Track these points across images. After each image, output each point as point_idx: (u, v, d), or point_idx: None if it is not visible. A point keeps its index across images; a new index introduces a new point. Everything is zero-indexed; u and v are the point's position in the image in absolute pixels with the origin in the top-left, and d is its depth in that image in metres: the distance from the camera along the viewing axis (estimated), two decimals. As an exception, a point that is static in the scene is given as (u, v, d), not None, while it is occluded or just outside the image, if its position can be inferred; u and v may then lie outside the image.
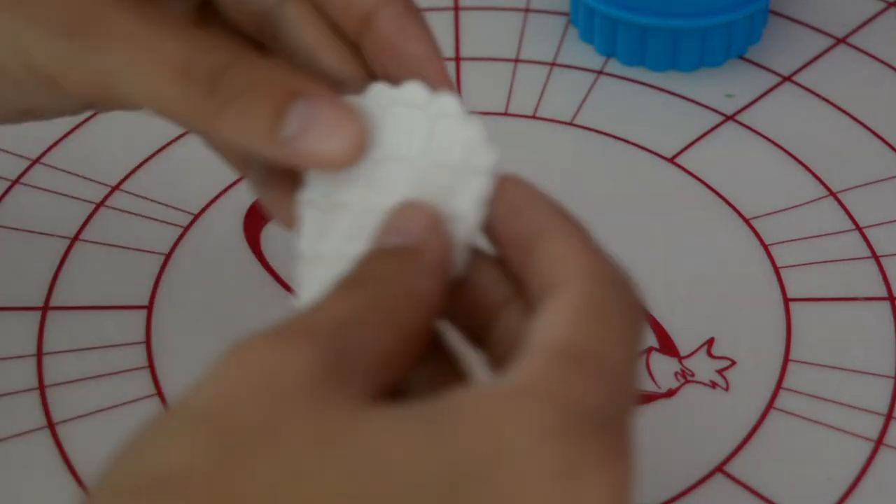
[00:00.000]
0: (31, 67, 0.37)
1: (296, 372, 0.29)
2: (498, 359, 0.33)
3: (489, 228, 0.34)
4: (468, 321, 0.34)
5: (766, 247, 0.49)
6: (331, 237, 0.35)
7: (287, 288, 0.47)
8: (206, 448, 0.27)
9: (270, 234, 0.49)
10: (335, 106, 0.34)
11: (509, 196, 0.34)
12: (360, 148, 0.34)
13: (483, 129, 0.36)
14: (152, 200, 0.50)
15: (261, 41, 0.40)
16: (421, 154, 0.36)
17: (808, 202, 0.51)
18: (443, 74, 0.38)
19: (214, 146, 0.42)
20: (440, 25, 0.58)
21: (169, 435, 0.28)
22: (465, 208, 0.35)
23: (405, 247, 0.33)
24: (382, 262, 0.32)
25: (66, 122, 0.52)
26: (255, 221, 0.49)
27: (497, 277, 0.34)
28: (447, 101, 0.36)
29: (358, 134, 0.34)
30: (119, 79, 0.35)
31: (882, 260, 0.48)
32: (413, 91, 0.36)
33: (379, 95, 0.36)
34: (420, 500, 0.27)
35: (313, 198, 0.36)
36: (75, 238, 0.49)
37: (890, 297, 0.47)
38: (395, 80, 0.37)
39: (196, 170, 0.51)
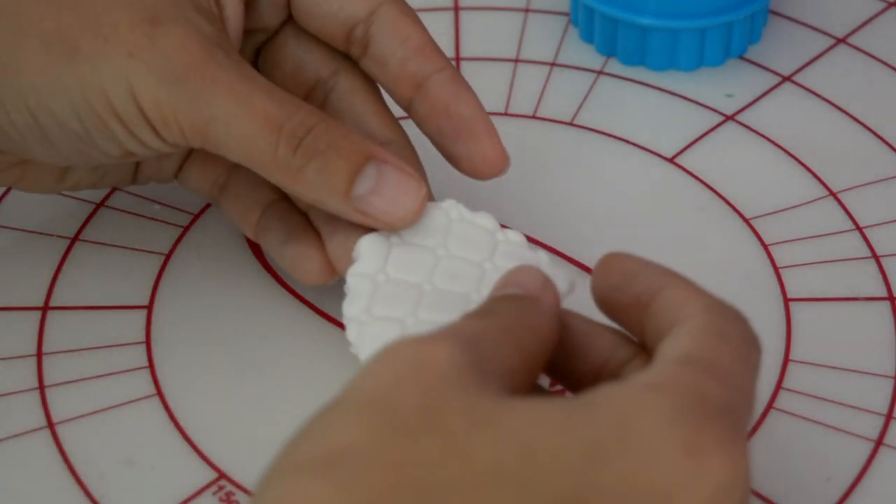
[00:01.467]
0: (142, 109, 0.40)
1: (443, 364, 0.32)
2: None
3: (603, 299, 0.38)
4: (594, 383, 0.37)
5: (766, 247, 0.49)
6: (383, 303, 0.41)
7: (287, 288, 0.47)
8: (371, 427, 0.31)
9: (270, 234, 0.49)
10: (403, 171, 0.41)
11: (620, 266, 0.38)
12: (421, 210, 0.41)
13: (547, 259, 0.42)
14: (152, 200, 0.50)
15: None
16: (483, 260, 0.42)
17: (808, 202, 0.51)
18: (493, 132, 0.44)
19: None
20: (440, 25, 0.58)
21: (338, 418, 0.32)
22: None
23: (524, 294, 0.38)
24: (506, 302, 0.37)
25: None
26: (255, 221, 0.49)
27: (618, 340, 0.38)
28: (513, 232, 0.43)
29: (420, 198, 0.41)
30: (218, 127, 0.40)
31: (882, 260, 0.48)
32: (484, 216, 0.43)
33: (452, 208, 0.43)
34: (560, 472, 0.31)
35: (366, 271, 0.41)
36: (75, 238, 0.49)
37: (890, 297, 0.47)
38: (448, 138, 0.43)
39: (196, 170, 0.51)
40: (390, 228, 0.41)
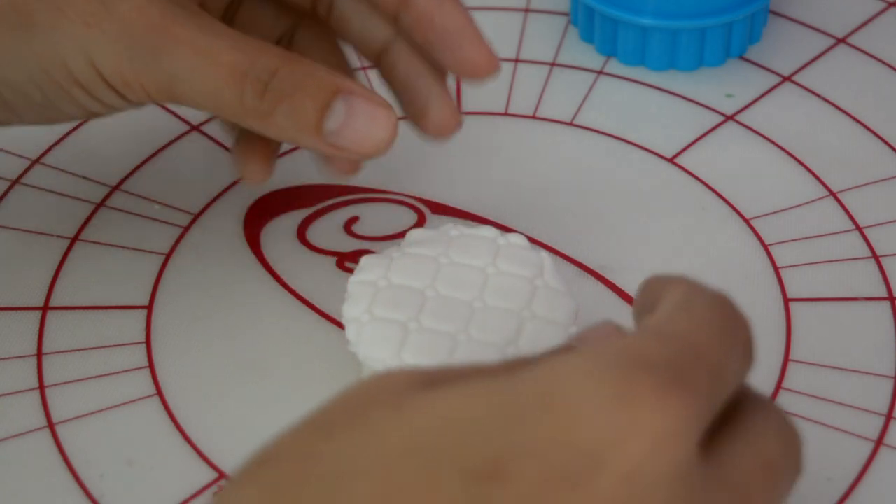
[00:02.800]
0: (103, 76, 0.40)
1: (397, 381, 0.32)
2: None
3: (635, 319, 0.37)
4: None
5: (766, 247, 0.49)
6: (385, 305, 0.41)
7: (287, 288, 0.47)
8: (299, 428, 0.31)
9: (270, 234, 0.49)
10: (371, 101, 0.40)
11: (650, 285, 0.37)
12: (393, 137, 0.41)
13: (551, 261, 0.43)
14: (152, 200, 0.50)
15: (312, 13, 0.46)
16: (486, 265, 0.42)
17: (808, 202, 0.51)
18: (478, 37, 0.44)
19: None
20: (440, 25, 0.58)
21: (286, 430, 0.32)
22: (556, 317, 0.42)
23: None
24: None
25: (66, 123, 0.52)
26: (255, 221, 0.49)
27: None
28: (515, 235, 0.43)
29: (391, 125, 0.40)
30: (182, 84, 0.40)
31: (882, 260, 0.48)
32: (486, 229, 0.43)
33: (452, 229, 0.44)
34: (476, 439, 0.29)
35: (368, 278, 0.42)
36: (75, 238, 0.49)
37: (890, 297, 0.47)
38: (435, 49, 0.44)
39: (196, 170, 0.51)
40: (365, 158, 0.41)
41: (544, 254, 0.43)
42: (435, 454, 0.29)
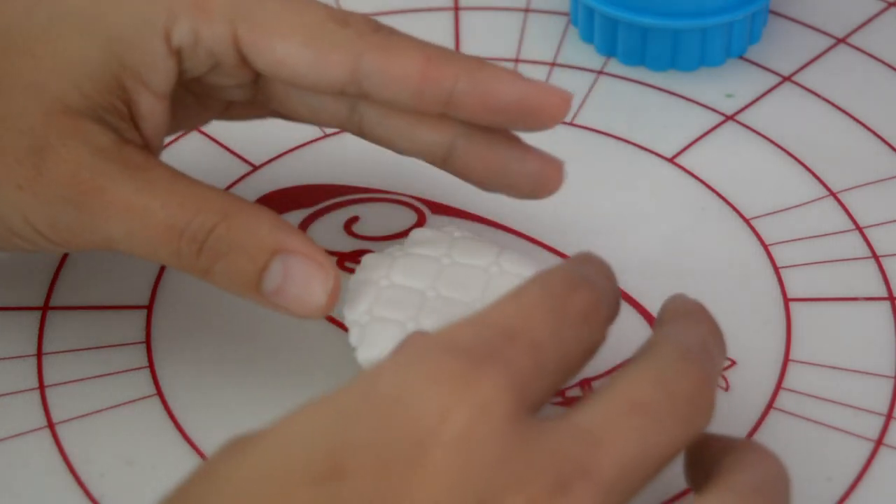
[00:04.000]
0: (40, 233, 0.40)
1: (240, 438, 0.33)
2: None
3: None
4: None
5: (766, 247, 0.49)
6: (386, 305, 0.41)
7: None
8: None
9: (270, 234, 0.49)
10: (311, 262, 0.39)
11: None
12: (332, 301, 0.39)
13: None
14: (152, 200, 0.50)
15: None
16: (490, 264, 0.42)
17: (808, 202, 0.51)
18: (542, 94, 0.40)
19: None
20: (440, 25, 0.58)
21: None
22: None
23: None
24: None
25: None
26: (255, 221, 0.49)
27: None
28: (510, 252, 0.43)
29: (328, 289, 0.39)
30: (120, 243, 0.40)
31: (882, 260, 0.48)
32: (487, 248, 0.43)
33: (455, 231, 0.43)
34: (309, 442, 0.31)
35: (370, 278, 0.42)
36: (75, 238, 0.49)
37: (890, 297, 0.47)
38: (507, 125, 0.41)
39: (195, 170, 0.51)
40: (305, 318, 0.40)
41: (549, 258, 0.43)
42: (283, 472, 0.31)
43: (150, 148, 0.41)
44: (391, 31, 0.41)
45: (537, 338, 0.34)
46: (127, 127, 0.40)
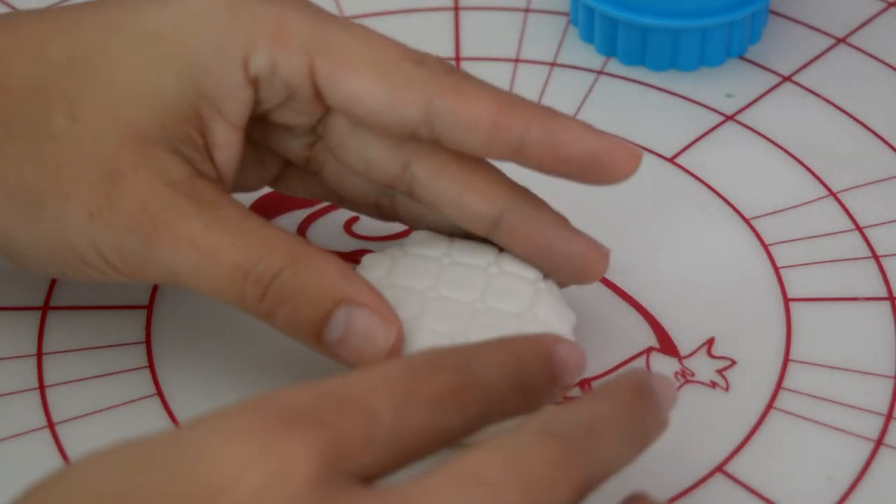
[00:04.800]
0: (108, 262, 0.40)
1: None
2: None
3: None
4: None
5: (766, 247, 0.49)
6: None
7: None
8: None
9: (270, 234, 0.49)
10: (374, 315, 0.39)
11: None
12: (394, 353, 0.39)
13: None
14: (152, 200, 0.50)
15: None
16: (489, 264, 0.42)
17: (808, 202, 0.51)
18: (613, 148, 0.41)
19: None
20: (440, 25, 0.58)
21: None
22: (556, 324, 0.41)
23: None
24: None
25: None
26: (255, 221, 0.49)
27: None
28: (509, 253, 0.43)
29: (391, 340, 0.39)
30: (185, 279, 0.40)
31: (882, 260, 0.48)
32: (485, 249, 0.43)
33: (455, 238, 0.43)
34: (102, 484, 0.31)
35: (370, 277, 0.41)
36: (75, 238, 0.49)
37: (890, 297, 0.47)
38: (576, 178, 0.41)
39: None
40: (367, 364, 0.39)
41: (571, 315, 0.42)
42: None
43: (223, 181, 0.41)
44: (465, 75, 0.41)
45: (373, 409, 0.33)
46: (201, 158, 0.40)
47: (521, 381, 0.36)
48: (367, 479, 0.32)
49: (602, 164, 0.40)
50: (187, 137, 0.40)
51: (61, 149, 0.40)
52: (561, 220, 0.42)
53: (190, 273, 0.39)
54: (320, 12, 0.41)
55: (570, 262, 0.42)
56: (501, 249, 0.43)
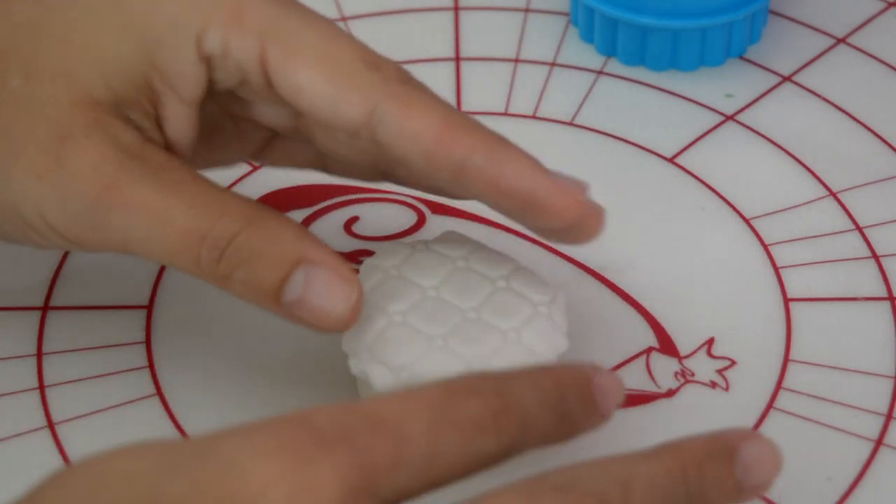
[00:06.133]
0: (54, 229, 0.39)
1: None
2: None
3: None
4: None
5: (766, 247, 0.49)
6: (382, 294, 0.41)
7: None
8: None
9: (270, 234, 0.49)
10: (333, 274, 0.38)
11: None
12: (353, 315, 0.38)
13: (563, 296, 0.42)
14: (152, 200, 0.50)
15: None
16: (499, 277, 0.42)
17: (808, 202, 0.51)
18: (555, 192, 0.39)
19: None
20: (440, 25, 0.58)
21: None
22: (540, 349, 0.41)
23: None
24: None
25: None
26: (255, 221, 0.49)
27: None
28: (526, 272, 0.42)
29: (352, 301, 0.38)
30: (136, 246, 0.39)
31: (882, 260, 0.48)
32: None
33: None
34: (128, 490, 0.31)
35: (381, 264, 0.42)
36: (75, 238, 0.49)
37: (890, 297, 0.47)
38: (514, 214, 0.40)
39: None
40: (323, 331, 0.39)
41: (561, 291, 0.42)
42: None
43: (175, 153, 0.41)
44: (420, 87, 0.40)
45: (406, 432, 0.32)
46: (151, 127, 0.40)
47: (560, 408, 0.35)
48: (392, 501, 0.32)
49: (538, 205, 0.39)
50: (139, 105, 0.40)
51: (13, 107, 0.39)
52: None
53: (142, 238, 0.39)
54: (282, 0, 0.40)
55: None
56: (521, 266, 0.42)
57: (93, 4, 0.40)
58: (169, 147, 0.41)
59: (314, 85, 0.39)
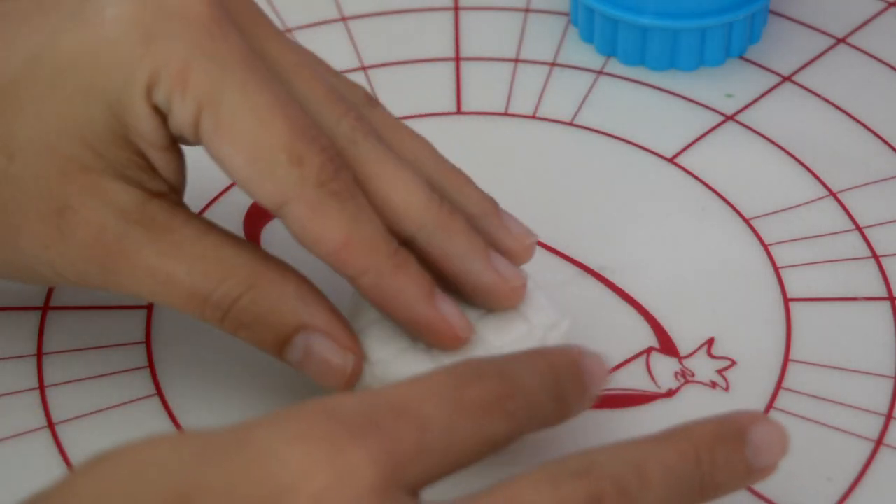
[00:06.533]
0: (70, 281, 0.41)
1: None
2: None
3: None
4: None
5: (766, 247, 0.49)
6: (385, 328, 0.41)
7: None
8: None
9: (270, 234, 0.49)
10: (330, 341, 0.40)
11: None
12: (351, 380, 0.40)
13: (568, 325, 0.42)
14: (152, 200, 0.50)
15: None
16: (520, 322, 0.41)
17: (808, 202, 0.51)
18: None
19: None
20: (440, 25, 0.58)
21: None
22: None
23: None
24: None
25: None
26: (255, 221, 0.49)
27: None
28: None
29: (348, 368, 0.40)
30: (145, 296, 0.40)
31: (882, 260, 0.48)
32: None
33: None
34: (164, 478, 0.32)
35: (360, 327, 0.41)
36: (75, 238, 0.49)
37: (890, 297, 0.47)
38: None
39: (196, 169, 0.51)
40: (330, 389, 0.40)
41: (567, 320, 0.42)
42: (132, 496, 0.31)
43: (176, 192, 0.41)
44: (334, 193, 0.39)
45: (426, 418, 0.33)
46: (148, 178, 0.40)
47: (556, 390, 0.36)
48: (416, 489, 0.33)
49: (418, 331, 0.40)
50: (130, 162, 0.40)
51: (5, 186, 0.40)
52: (475, 247, 0.41)
53: (150, 296, 0.40)
54: (227, 63, 0.39)
55: (478, 295, 0.41)
56: (537, 288, 0.42)
57: (52, 69, 0.40)
58: (169, 186, 0.41)
59: (235, 165, 0.39)
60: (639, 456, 0.34)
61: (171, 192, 0.41)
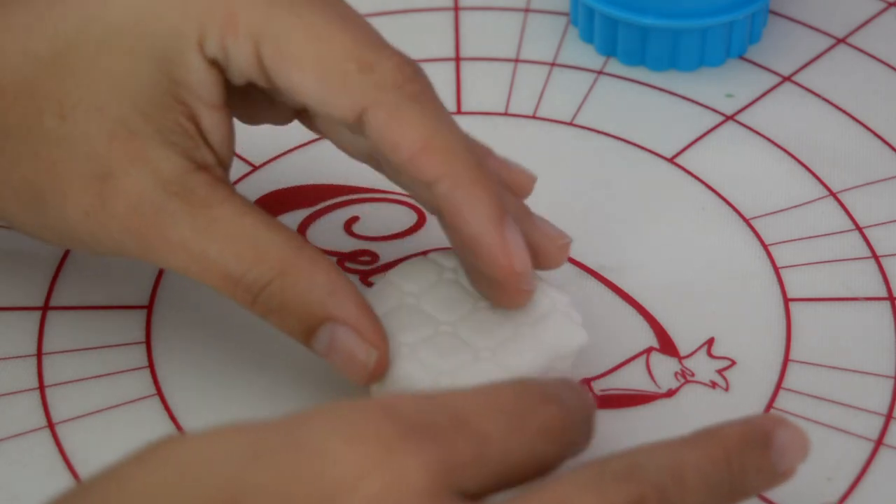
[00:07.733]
0: (111, 252, 0.41)
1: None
2: None
3: None
4: None
5: (766, 247, 0.49)
6: (394, 322, 0.41)
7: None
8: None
9: (270, 234, 0.49)
10: (355, 337, 0.39)
11: None
12: (375, 374, 0.40)
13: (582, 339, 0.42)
14: (152, 200, 0.50)
15: None
16: (521, 324, 0.41)
17: (808, 202, 0.51)
18: (495, 247, 0.39)
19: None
20: (440, 25, 0.58)
21: None
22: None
23: None
24: None
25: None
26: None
27: None
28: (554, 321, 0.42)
29: (371, 362, 0.40)
30: (179, 270, 0.40)
31: (882, 260, 0.48)
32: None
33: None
34: (213, 476, 0.31)
35: (403, 286, 0.42)
36: (75, 238, 0.49)
37: (890, 297, 0.47)
38: (459, 250, 0.41)
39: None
40: (354, 382, 0.40)
41: (582, 332, 0.42)
42: (180, 491, 0.31)
43: (222, 164, 0.41)
44: (412, 95, 0.39)
45: (486, 432, 0.33)
46: (195, 145, 0.40)
47: (591, 417, 0.37)
48: (470, 498, 0.33)
49: (475, 252, 0.39)
50: (178, 126, 0.40)
51: (54, 148, 0.40)
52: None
53: (184, 272, 0.40)
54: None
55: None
56: (543, 316, 0.42)
57: (103, 31, 0.40)
58: (216, 156, 0.41)
59: (305, 87, 0.39)
60: (675, 459, 0.34)
61: (217, 165, 0.41)
